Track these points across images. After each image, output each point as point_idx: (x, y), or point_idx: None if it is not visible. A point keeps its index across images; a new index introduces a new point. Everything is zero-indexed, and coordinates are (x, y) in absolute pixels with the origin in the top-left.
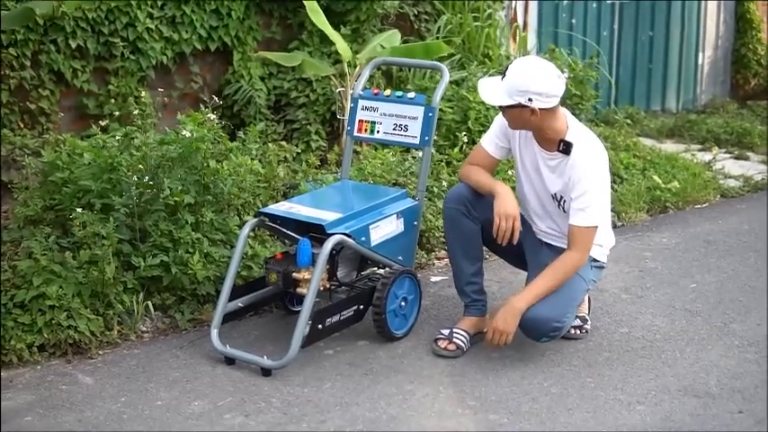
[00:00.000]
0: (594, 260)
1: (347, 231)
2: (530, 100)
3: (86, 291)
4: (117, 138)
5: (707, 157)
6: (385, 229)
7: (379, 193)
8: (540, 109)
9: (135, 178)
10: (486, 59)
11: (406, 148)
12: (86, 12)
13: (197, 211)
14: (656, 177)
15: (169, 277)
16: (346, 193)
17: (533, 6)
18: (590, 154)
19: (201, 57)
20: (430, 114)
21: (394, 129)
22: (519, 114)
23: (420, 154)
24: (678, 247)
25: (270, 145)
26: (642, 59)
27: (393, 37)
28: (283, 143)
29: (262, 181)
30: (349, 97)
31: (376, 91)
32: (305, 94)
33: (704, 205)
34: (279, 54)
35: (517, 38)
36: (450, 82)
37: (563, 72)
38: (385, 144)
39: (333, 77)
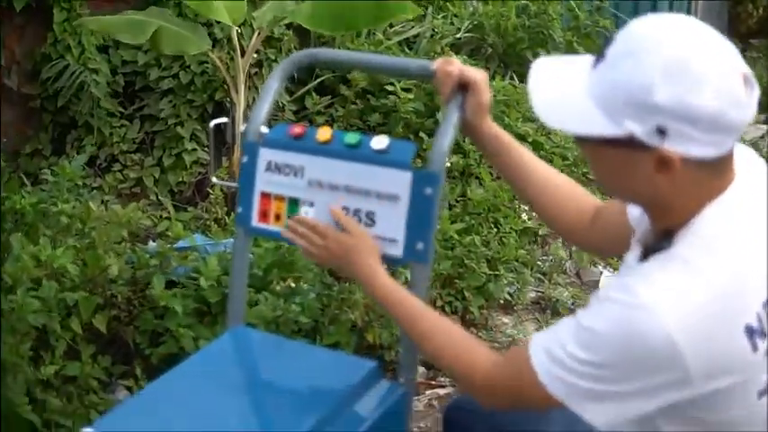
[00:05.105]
0: None
1: None
2: (660, 132)
3: None
4: None
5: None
6: None
7: (315, 373)
8: (681, 158)
9: None
10: (448, 3)
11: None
12: None
13: None
14: None
15: None
16: (245, 385)
17: None
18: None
19: (5, 19)
20: (428, 191)
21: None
22: (625, 162)
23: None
24: None
25: (96, 204)
26: None
27: None
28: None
29: (79, 283)
30: (238, 132)
31: (298, 129)
32: (172, 74)
33: None
34: (117, 18)
35: None
36: (399, 42)
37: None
38: None
39: (212, 52)
